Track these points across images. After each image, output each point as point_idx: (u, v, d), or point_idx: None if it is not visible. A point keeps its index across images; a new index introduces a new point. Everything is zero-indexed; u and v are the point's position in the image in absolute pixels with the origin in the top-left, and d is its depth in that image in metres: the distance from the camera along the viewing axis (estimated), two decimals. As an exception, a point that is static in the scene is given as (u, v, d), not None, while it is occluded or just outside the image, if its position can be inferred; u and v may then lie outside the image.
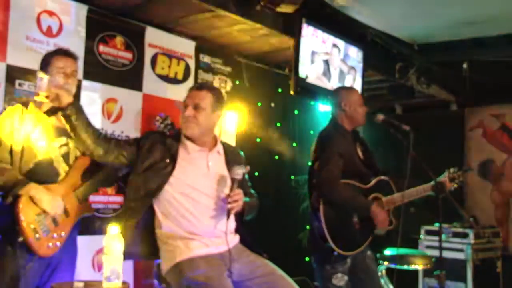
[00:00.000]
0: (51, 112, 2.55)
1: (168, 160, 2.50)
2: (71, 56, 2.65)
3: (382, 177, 3.21)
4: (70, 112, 2.36)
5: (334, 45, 4.85)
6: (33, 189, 2.42)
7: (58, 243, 2.48)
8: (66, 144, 2.62)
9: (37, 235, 2.40)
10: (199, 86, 2.63)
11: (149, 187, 2.47)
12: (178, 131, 2.67)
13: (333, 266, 3.02)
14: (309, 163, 3.24)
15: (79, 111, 2.40)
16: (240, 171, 2.48)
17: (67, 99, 2.35)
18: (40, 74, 2.36)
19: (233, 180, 2.46)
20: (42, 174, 2.51)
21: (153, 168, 2.48)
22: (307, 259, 5.26)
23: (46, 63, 2.60)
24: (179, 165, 2.50)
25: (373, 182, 3.17)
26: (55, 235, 2.48)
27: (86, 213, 2.68)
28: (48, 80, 2.32)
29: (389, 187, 3.20)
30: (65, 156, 2.61)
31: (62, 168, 2.59)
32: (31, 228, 2.39)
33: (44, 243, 2.43)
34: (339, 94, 3.33)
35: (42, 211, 2.43)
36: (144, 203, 2.48)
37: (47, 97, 2.33)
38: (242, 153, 2.81)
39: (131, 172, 2.54)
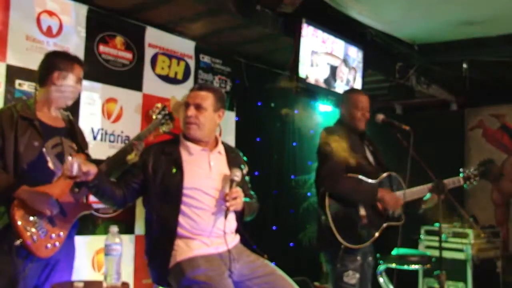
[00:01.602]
0: (79, 186, 2.48)
1: (174, 170, 2.49)
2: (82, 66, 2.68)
3: (392, 173, 3.22)
4: (98, 183, 2.34)
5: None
6: (24, 192, 2.40)
7: (57, 243, 2.47)
8: (60, 144, 2.60)
9: (35, 237, 2.39)
10: (201, 87, 2.62)
11: (169, 208, 2.44)
12: (175, 135, 2.68)
13: (343, 264, 3.00)
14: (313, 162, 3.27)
15: (104, 177, 2.38)
16: (238, 173, 2.50)
17: (93, 171, 2.29)
18: (69, 158, 2.24)
19: (231, 181, 2.48)
20: (36, 175, 2.48)
21: (164, 184, 2.47)
22: (307, 259, 5.26)
23: (64, 67, 2.58)
24: (185, 170, 2.49)
25: (381, 177, 3.17)
26: (53, 235, 2.47)
27: (84, 211, 2.66)
28: (77, 162, 2.22)
29: (399, 183, 3.21)
30: (59, 156, 2.58)
31: (57, 168, 2.56)
32: (28, 230, 2.38)
33: (42, 244, 2.42)
34: (343, 96, 3.49)
35: (37, 213, 2.42)
36: (173, 219, 2.44)
37: (75, 177, 2.25)
38: (242, 154, 2.82)
39: (148, 195, 2.54)
